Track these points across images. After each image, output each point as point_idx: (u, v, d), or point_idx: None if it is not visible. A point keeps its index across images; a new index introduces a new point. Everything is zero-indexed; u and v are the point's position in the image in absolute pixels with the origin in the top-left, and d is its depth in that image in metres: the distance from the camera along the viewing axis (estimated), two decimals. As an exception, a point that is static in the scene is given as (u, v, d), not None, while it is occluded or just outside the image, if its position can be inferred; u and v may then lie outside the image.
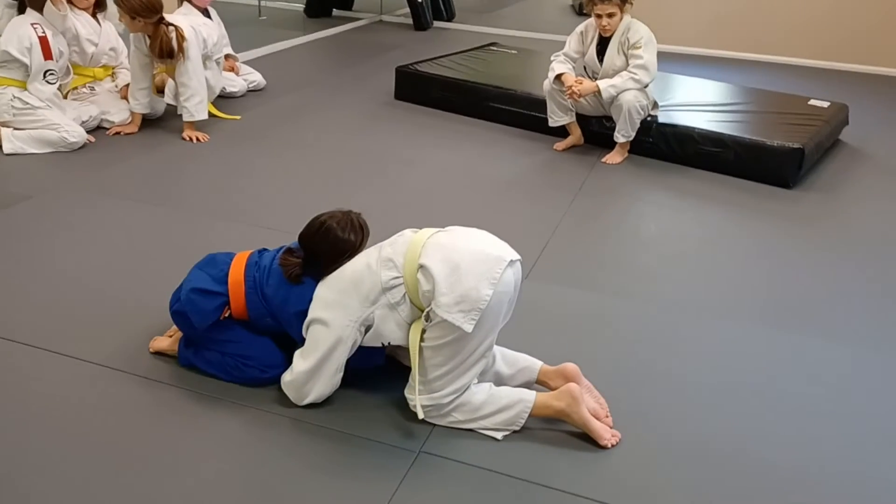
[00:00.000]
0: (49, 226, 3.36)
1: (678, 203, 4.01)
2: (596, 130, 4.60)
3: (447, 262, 2.13)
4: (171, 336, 2.51)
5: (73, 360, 2.47)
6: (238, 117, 4.85)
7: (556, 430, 2.27)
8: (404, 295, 2.19)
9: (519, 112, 4.90)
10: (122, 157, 4.15)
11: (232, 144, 4.45)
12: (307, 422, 2.26)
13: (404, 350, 2.35)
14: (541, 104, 4.70)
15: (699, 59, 7.16)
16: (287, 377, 2.30)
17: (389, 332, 2.23)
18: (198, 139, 4.42)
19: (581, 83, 4.28)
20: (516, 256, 2.21)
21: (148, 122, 4.60)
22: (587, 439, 2.23)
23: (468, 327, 2.09)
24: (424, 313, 2.17)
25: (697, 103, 4.81)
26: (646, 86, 4.29)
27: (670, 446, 2.25)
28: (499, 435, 2.24)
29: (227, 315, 2.37)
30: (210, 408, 2.30)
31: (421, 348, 2.19)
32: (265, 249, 2.47)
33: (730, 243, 3.57)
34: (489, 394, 2.26)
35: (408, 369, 2.36)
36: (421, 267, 2.15)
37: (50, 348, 2.52)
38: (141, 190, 3.80)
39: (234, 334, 2.39)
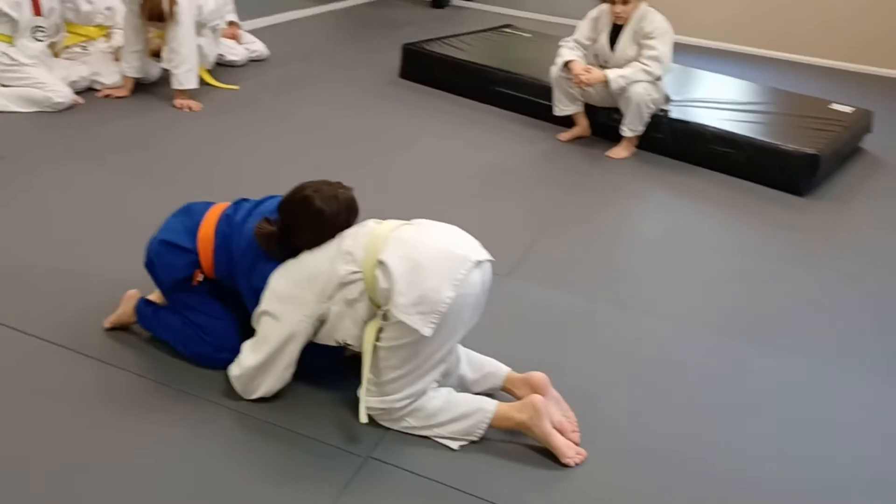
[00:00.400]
0: (12, 188, 3.23)
1: (682, 205, 3.81)
2: (603, 122, 4.40)
3: (408, 259, 1.96)
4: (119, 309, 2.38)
5: (13, 331, 2.34)
6: (237, 87, 4.69)
7: (517, 443, 2.11)
8: (362, 291, 2.02)
9: (526, 98, 4.70)
10: (106, 121, 4.01)
11: (224, 115, 4.30)
12: (253, 416, 2.11)
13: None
14: (549, 91, 4.50)
15: (717, 54, 6.89)
16: (235, 370, 2.15)
17: (345, 329, 2.07)
18: (189, 108, 4.27)
19: (590, 72, 4.07)
20: (485, 256, 2.04)
21: (141, 87, 4.45)
22: (549, 456, 2.07)
23: (427, 331, 1.93)
24: (382, 312, 2.01)
25: (712, 100, 4.58)
26: (658, 78, 4.08)
27: (640, 466, 2.08)
28: (455, 444, 2.08)
29: (200, 280, 2.23)
30: (152, 394, 2.16)
31: (376, 347, 2.03)
32: (243, 200, 2.28)
33: (731, 254, 3.36)
34: (446, 400, 2.10)
35: (355, 370, 2.22)
36: (380, 263, 1.98)
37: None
38: (119, 156, 3.65)
39: (202, 303, 2.26)
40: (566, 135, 4.42)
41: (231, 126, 4.15)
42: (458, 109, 4.76)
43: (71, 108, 4.07)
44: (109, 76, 4.37)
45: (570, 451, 2.06)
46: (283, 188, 2.19)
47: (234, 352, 2.19)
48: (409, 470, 2.00)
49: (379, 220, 2.13)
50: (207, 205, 2.30)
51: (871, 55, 6.71)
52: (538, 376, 2.18)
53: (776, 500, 2.02)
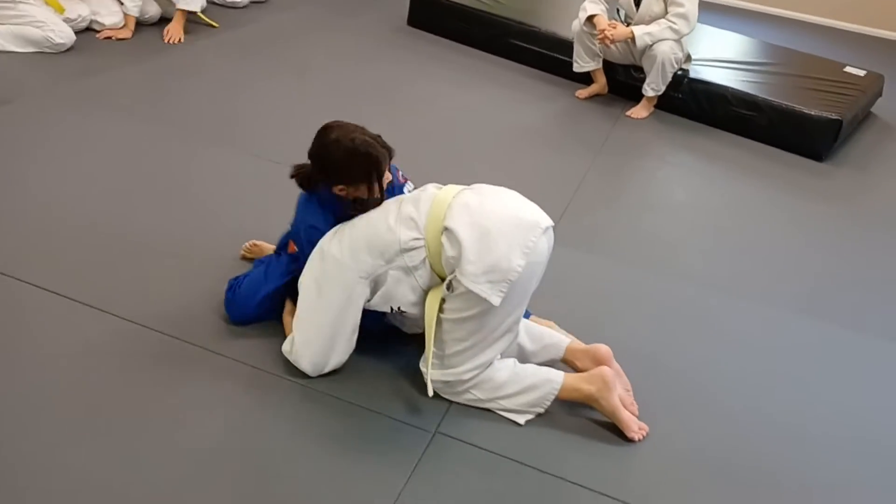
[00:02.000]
0: (28, 138, 3.06)
1: (706, 168, 3.78)
2: (622, 80, 4.32)
3: (476, 227, 1.90)
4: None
5: (60, 297, 2.24)
6: (217, 25, 4.47)
7: (580, 416, 2.10)
8: (424, 259, 1.96)
9: (541, 52, 4.58)
10: (113, 66, 3.81)
11: (228, 59, 4.12)
12: (314, 389, 2.06)
13: (412, 319, 2.15)
14: (565, 46, 4.39)
15: (725, 10, 6.79)
16: (300, 349, 2.05)
17: (401, 295, 2.01)
18: (173, 40, 4.15)
19: (615, 27, 3.97)
20: (550, 222, 1.99)
21: (140, 29, 4.23)
22: (613, 430, 2.06)
23: (496, 300, 1.88)
24: (446, 282, 1.95)
25: (729, 60, 4.51)
26: (683, 36, 4.00)
27: (700, 444, 2.08)
28: (521, 419, 2.06)
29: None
30: (210, 363, 2.09)
31: (439, 319, 1.98)
32: None
33: (761, 218, 3.36)
34: (513, 371, 2.06)
35: (413, 337, 2.18)
36: (446, 230, 1.91)
37: (34, 282, 2.28)
38: (133, 104, 3.48)
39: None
40: (584, 92, 4.33)
41: (237, 73, 3.98)
42: (471, 62, 4.63)
43: (70, 49, 3.86)
44: (109, 16, 4.14)
45: (634, 425, 2.05)
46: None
47: (240, 293, 2.20)
48: (478, 445, 1.98)
49: (439, 185, 2.06)
50: None
51: (881, 19, 6.66)
52: (603, 349, 2.15)
53: (841, 463, 2.05)
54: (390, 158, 2.05)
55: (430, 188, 2.05)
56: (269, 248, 2.47)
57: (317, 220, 2.08)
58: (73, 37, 3.87)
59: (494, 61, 4.67)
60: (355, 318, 2.03)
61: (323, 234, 2.06)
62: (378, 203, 2.05)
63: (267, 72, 4.05)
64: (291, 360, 2.08)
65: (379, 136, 2.04)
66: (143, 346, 2.12)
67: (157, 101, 3.55)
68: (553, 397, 2.06)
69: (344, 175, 2.00)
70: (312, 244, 2.07)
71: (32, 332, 2.12)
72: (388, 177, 2.05)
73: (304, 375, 2.07)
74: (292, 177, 2.09)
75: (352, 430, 1.97)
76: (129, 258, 2.45)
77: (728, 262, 2.98)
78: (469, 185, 2.07)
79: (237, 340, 2.17)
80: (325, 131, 2.03)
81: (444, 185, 2.06)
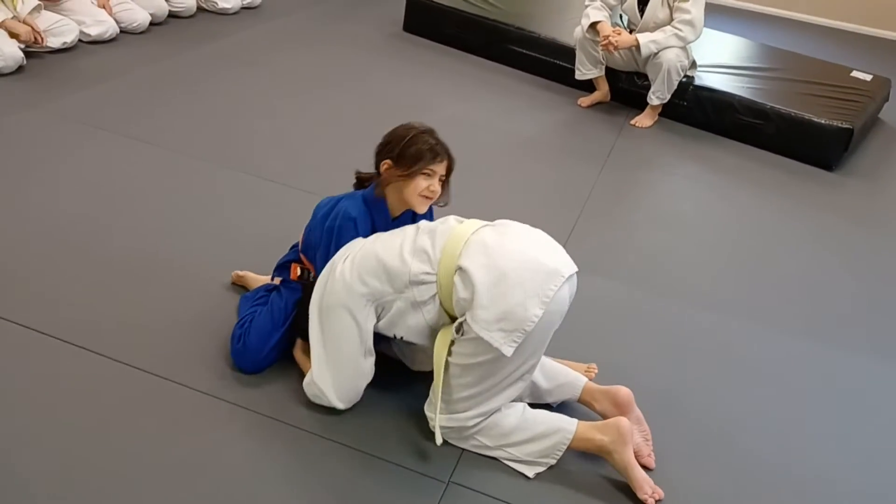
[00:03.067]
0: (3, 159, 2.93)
1: (715, 180, 3.67)
2: (625, 87, 4.21)
3: (492, 270, 1.77)
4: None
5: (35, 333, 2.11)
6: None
7: (592, 471, 1.96)
8: (434, 296, 1.83)
9: (541, 59, 4.46)
10: (94, 78, 3.66)
11: (219, 70, 3.98)
12: (317, 434, 1.93)
13: (415, 353, 2.03)
14: (566, 52, 4.28)
15: (722, 10, 6.68)
16: (322, 385, 1.93)
17: (405, 328, 1.90)
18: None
19: (619, 34, 3.85)
20: (574, 269, 1.85)
21: (127, 38, 4.10)
22: (625, 489, 1.93)
23: (507, 350, 1.75)
24: (456, 324, 1.83)
25: (734, 66, 4.41)
26: (689, 44, 3.89)
27: (725, 494, 1.97)
28: (530, 472, 1.93)
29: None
30: (205, 407, 1.97)
31: (447, 363, 1.86)
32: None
33: (773, 235, 3.25)
34: (522, 418, 1.94)
35: (417, 375, 2.07)
36: (460, 269, 1.79)
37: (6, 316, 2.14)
38: (113, 120, 3.34)
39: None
40: (586, 100, 4.21)
41: (231, 84, 3.84)
42: (469, 69, 4.50)
43: (20, 69, 3.58)
44: (95, 26, 3.99)
45: (647, 486, 1.90)
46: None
47: (248, 341, 2.07)
48: (491, 495, 1.86)
49: (460, 219, 1.93)
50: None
51: (883, 20, 6.55)
52: (623, 392, 2.02)
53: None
54: (450, 167, 2.02)
55: (451, 220, 1.92)
56: (257, 279, 2.35)
57: (359, 213, 1.99)
58: (20, 58, 3.57)
59: (493, 68, 4.55)
60: (368, 341, 1.91)
61: (356, 234, 1.97)
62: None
63: (260, 83, 3.91)
64: (314, 398, 1.97)
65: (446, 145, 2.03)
66: (131, 389, 1.99)
67: (142, 117, 3.41)
68: (564, 448, 1.93)
69: (396, 150, 1.97)
70: (338, 246, 1.96)
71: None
72: (436, 189, 1.99)
73: (298, 417, 1.95)
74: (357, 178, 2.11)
75: (363, 480, 1.84)
76: (114, 285, 2.32)
77: (743, 286, 2.86)
78: (483, 214, 1.96)
79: (231, 384, 2.05)
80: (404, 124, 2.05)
81: (458, 216, 1.95)
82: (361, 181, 2.11)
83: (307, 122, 3.60)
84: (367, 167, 2.09)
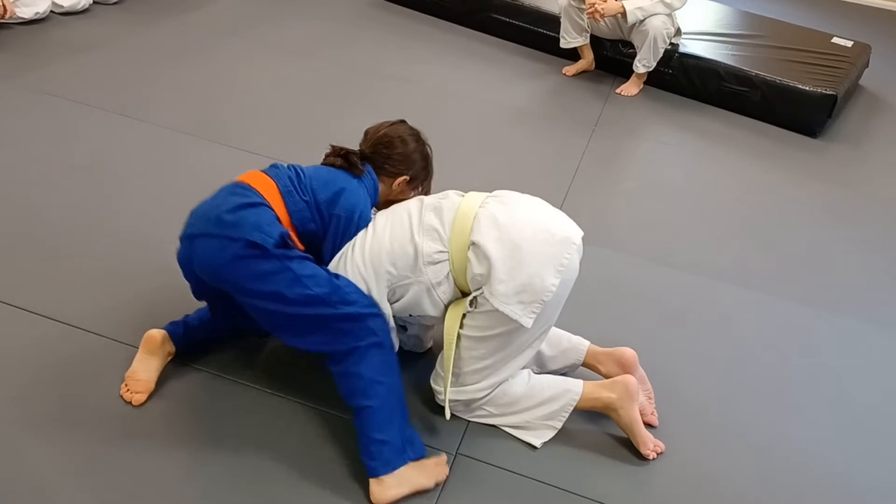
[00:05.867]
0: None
1: (702, 148, 3.67)
2: (609, 55, 4.18)
3: (505, 243, 1.76)
4: None
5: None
6: None
7: (596, 432, 1.99)
8: (448, 274, 1.82)
9: (524, 27, 4.41)
10: (65, 54, 3.55)
11: (200, 40, 3.88)
12: (322, 410, 1.92)
13: (425, 331, 2.03)
14: (549, 20, 4.24)
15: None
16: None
17: (419, 310, 1.87)
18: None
19: (605, 1, 3.82)
20: (581, 233, 1.85)
21: (103, 9, 3.97)
22: (628, 447, 1.96)
23: (527, 322, 1.75)
24: (469, 297, 1.82)
25: (718, 33, 4.39)
26: (675, 11, 3.87)
27: (718, 469, 1.99)
28: (537, 441, 1.94)
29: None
30: (186, 375, 1.94)
31: (459, 336, 1.85)
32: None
33: (761, 202, 3.26)
34: (529, 385, 1.94)
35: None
36: (473, 244, 1.77)
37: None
38: (89, 96, 3.25)
39: None
40: (571, 69, 4.18)
41: (212, 58, 3.76)
42: (452, 38, 4.44)
43: None
44: (67, -3, 3.87)
45: (650, 442, 1.95)
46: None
47: None
48: (498, 465, 1.88)
49: (459, 193, 1.91)
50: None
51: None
52: (628, 352, 2.05)
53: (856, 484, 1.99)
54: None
55: (452, 196, 1.90)
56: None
57: (369, 211, 1.93)
58: None
59: (476, 37, 4.49)
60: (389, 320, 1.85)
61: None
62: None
63: (240, 55, 3.83)
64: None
65: None
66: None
67: (122, 91, 3.32)
68: (571, 408, 1.94)
69: (421, 173, 2.02)
70: (346, 239, 1.89)
71: None
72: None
73: (310, 395, 1.94)
74: (341, 155, 1.93)
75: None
76: (100, 261, 2.27)
77: (734, 253, 2.88)
78: (475, 187, 1.95)
79: (217, 356, 2.02)
80: (404, 124, 2.04)
81: (453, 189, 1.93)
82: (351, 162, 1.94)
83: (291, 93, 3.53)
84: (354, 138, 2.04)
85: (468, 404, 1.93)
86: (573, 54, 4.20)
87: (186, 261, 1.81)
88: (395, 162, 1.97)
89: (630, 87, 4.05)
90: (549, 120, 3.70)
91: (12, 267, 2.25)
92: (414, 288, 1.83)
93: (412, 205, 1.90)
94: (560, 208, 2.85)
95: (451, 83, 3.87)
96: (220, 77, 3.58)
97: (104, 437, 1.78)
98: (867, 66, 4.62)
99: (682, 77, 4.07)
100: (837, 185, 3.47)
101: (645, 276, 2.65)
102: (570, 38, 4.09)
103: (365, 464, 1.73)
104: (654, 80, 4.10)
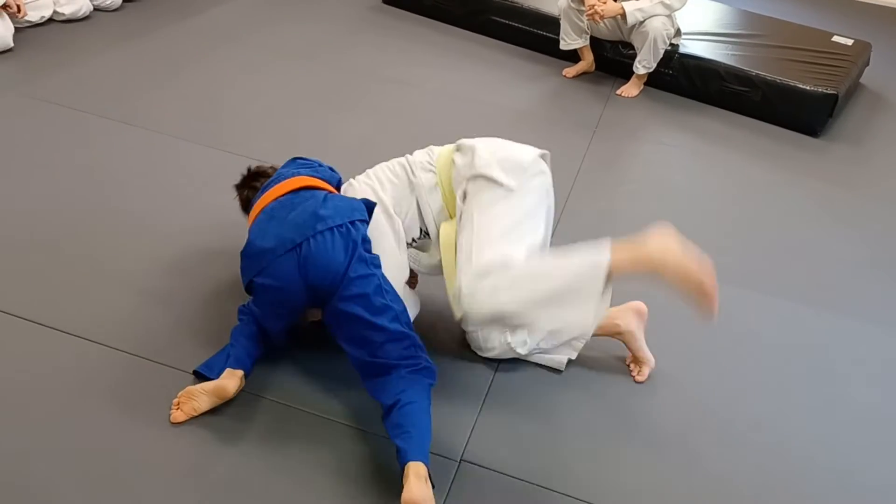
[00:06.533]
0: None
1: (704, 149, 3.67)
2: (610, 57, 4.18)
3: (487, 142, 2.01)
4: None
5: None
6: None
7: (600, 436, 2.00)
8: (436, 184, 2.02)
9: (524, 29, 4.41)
10: (67, 61, 3.56)
11: (201, 46, 3.89)
12: (318, 415, 1.92)
13: (427, 249, 2.10)
14: (549, 22, 4.24)
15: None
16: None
17: (415, 230, 2.07)
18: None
19: (605, 2, 3.82)
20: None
21: (101, 16, 3.98)
22: (632, 451, 1.97)
23: (512, 182, 1.88)
24: (459, 193, 1.93)
25: (718, 33, 4.39)
26: (675, 11, 3.87)
27: (720, 452, 2.00)
28: (563, 359, 2.13)
29: None
30: (165, 377, 1.94)
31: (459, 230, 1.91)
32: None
33: (762, 202, 3.26)
34: (550, 262, 1.75)
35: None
36: (458, 146, 2.04)
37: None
38: (91, 102, 3.26)
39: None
40: (571, 70, 4.18)
41: (211, 63, 3.76)
42: (452, 41, 4.44)
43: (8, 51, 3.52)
44: (69, 5, 3.87)
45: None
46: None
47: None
48: (503, 472, 1.88)
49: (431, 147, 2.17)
50: None
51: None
52: (641, 305, 2.20)
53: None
54: None
55: (432, 148, 2.16)
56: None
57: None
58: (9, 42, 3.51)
59: (475, 39, 4.49)
60: (402, 242, 2.05)
61: None
62: None
63: (241, 60, 3.84)
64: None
65: None
66: (137, 376, 1.96)
67: (123, 98, 3.33)
68: (602, 280, 1.68)
69: None
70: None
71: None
72: None
73: (295, 396, 1.94)
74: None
75: (375, 462, 1.84)
76: (99, 270, 2.28)
77: (735, 252, 2.88)
78: None
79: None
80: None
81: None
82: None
83: (292, 98, 3.54)
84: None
85: (481, 278, 1.70)
86: (573, 56, 4.20)
87: (290, 274, 1.80)
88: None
89: (630, 89, 4.05)
90: (549, 122, 3.70)
91: (12, 273, 2.26)
92: (410, 198, 2.03)
93: (393, 162, 2.14)
94: (562, 211, 2.90)
95: (452, 86, 3.88)
96: (220, 82, 3.59)
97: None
98: (868, 65, 4.62)
99: (683, 78, 4.07)
100: (839, 185, 3.47)
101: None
102: (569, 40, 4.09)
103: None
104: (655, 80, 4.10)
